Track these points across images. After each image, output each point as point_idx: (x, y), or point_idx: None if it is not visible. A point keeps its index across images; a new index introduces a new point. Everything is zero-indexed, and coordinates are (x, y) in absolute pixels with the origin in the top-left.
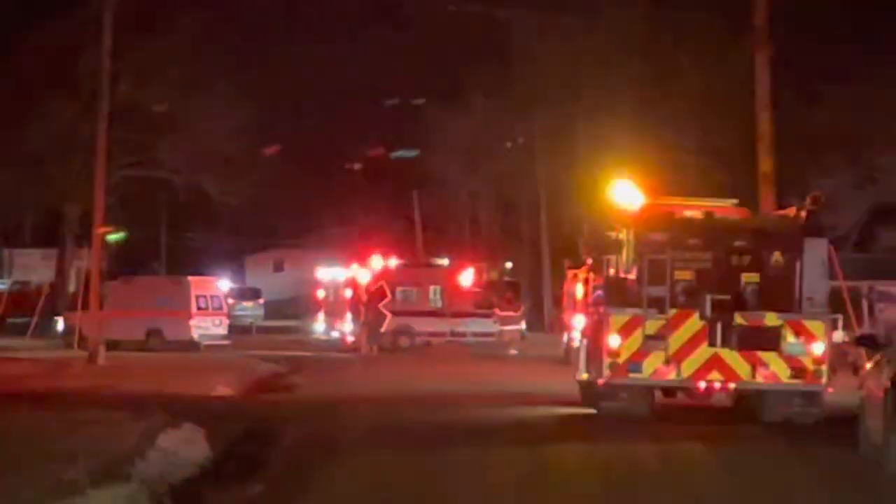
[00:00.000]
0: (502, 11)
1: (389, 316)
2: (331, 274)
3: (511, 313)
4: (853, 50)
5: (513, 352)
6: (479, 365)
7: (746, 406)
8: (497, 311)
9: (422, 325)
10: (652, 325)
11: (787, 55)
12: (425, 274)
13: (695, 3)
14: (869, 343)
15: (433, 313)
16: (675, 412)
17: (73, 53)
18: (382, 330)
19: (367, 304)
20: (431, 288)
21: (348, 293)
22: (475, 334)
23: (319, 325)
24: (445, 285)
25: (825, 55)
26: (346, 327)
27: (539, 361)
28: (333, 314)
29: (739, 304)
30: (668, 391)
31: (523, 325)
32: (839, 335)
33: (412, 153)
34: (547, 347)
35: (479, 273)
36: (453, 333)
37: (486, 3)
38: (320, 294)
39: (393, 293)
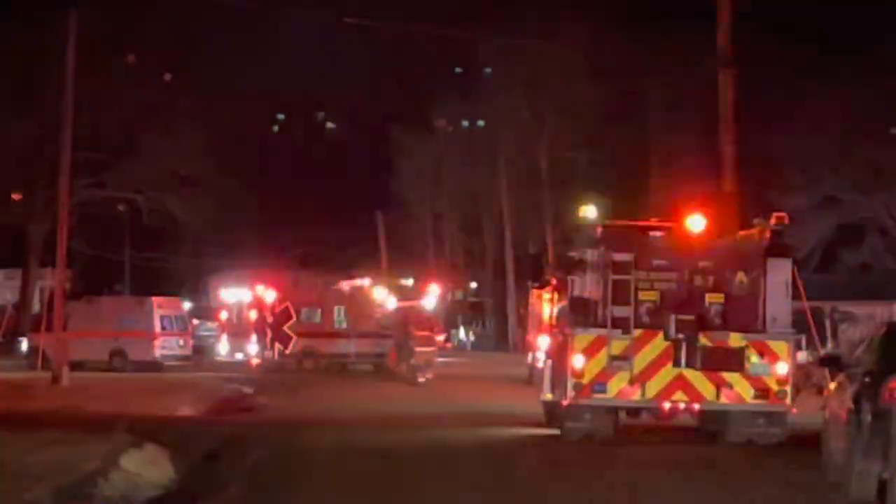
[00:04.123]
0: (466, 34)
1: (294, 337)
2: (235, 295)
3: (426, 334)
4: (815, 71)
5: (422, 379)
6: (443, 385)
7: (710, 426)
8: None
9: (326, 347)
10: (616, 346)
11: (750, 76)
12: (330, 295)
13: (658, 24)
14: (832, 364)
15: (338, 334)
16: (640, 433)
17: (36, 75)
18: (288, 352)
19: (273, 325)
20: (336, 308)
21: (253, 314)
22: (379, 356)
23: (223, 347)
24: (350, 306)
25: (788, 76)
26: (252, 349)
27: (504, 381)
28: (237, 335)
29: (704, 324)
30: (633, 412)
31: (436, 347)
32: (803, 355)
33: None
34: (511, 367)
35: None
36: (358, 355)
37: (451, 26)
38: (223, 316)
39: (298, 314)
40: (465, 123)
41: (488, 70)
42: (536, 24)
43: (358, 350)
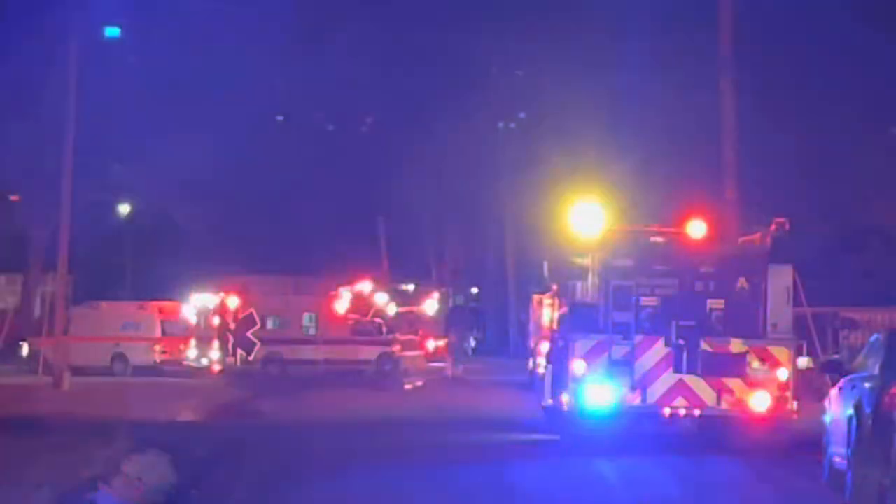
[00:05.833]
0: (468, 37)
1: (258, 344)
2: (201, 301)
3: (412, 337)
4: (817, 75)
5: (408, 386)
6: (441, 390)
7: (711, 432)
8: (397, 335)
9: (292, 353)
10: (617, 351)
11: (752, 81)
12: (298, 300)
13: (660, 29)
14: (833, 370)
15: (305, 341)
16: (640, 438)
17: (39, 77)
18: (251, 358)
19: (235, 331)
20: (305, 315)
21: (216, 320)
22: (351, 362)
23: (191, 352)
24: (319, 312)
25: (789, 81)
26: (214, 354)
27: (504, 387)
28: (203, 341)
29: (705, 330)
30: (634, 417)
31: (423, 352)
32: (803, 361)
33: None
34: (512, 373)
35: (356, 298)
36: (327, 361)
37: (453, 29)
38: (192, 321)
39: (263, 320)
40: (469, 126)
41: (519, 73)
42: (537, 26)
43: (327, 357)
